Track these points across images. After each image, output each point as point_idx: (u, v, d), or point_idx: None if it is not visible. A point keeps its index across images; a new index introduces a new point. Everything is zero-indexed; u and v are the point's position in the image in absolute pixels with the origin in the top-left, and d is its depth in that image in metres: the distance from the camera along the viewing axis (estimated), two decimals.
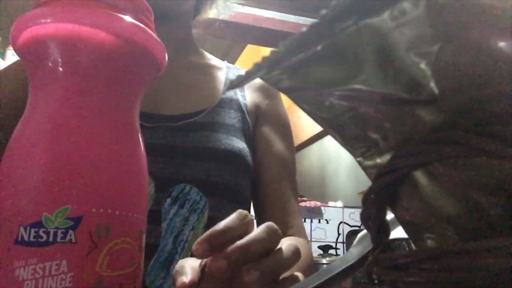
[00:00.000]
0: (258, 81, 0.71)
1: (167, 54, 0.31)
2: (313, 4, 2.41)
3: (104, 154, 0.26)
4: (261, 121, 0.72)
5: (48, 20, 0.26)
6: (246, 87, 0.73)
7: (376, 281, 0.20)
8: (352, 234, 2.61)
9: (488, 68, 0.16)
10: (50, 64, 0.26)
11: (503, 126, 0.16)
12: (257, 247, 0.32)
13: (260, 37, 2.62)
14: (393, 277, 0.19)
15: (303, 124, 3.60)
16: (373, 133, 0.20)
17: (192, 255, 0.55)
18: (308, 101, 0.21)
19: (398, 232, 0.25)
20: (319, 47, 0.16)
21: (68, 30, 0.26)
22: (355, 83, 0.17)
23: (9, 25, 0.29)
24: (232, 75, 0.73)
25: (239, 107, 0.69)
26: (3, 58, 2.04)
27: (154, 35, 0.29)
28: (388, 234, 0.21)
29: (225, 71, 0.74)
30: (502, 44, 0.16)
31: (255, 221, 0.69)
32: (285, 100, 0.59)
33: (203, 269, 0.33)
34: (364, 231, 0.32)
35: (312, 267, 0.63)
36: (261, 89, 0.74)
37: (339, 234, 2.74)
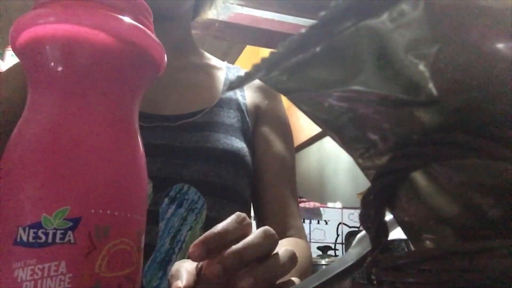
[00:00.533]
0: (258, 81, 0.71)
1: (167, 55, 0.31)
2: (312, 6, 2.41)
3: (103, 155, 0.26)
4: (261, 121, 0.72)
5: (47, 21, 0.26)
6: (246, 87, 0.73)
7: (375, 282, 0.20)
8: (351, 235, 2.61)
9: (487, 69, 0.16)
10: (49, 65, 0.26)
11: (501, 128, 0.16)
12: (253, 252, 0.32)
13: (259, 38, 2.62)
14: (392, 277, 0.19)
15: (302, 125, 3.60)
16: (372, 134, 0.20)
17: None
18: (307, 102, 0.21)
19: (397, 233, 0.25)
20: (318, 49, 0.16)
21: (67, 31, 0.26)
22: (354, 84, 0.17)
23: (8, 26, 0.29)
24: (232, 75, 0.73)
25: (238, 107, 0.69)
26: (2, 59, 2.04)
27: (153, 36, 0.29)
28: (387, 235, 0.21)
29: (225, 71, 0.74)
30: (500, 45, 0.16)
31: (254, 222, 0.69)
32: (284, 100, 0.59)
33: (199, 272, 0.33)
34: (363, 232, 0.32)
35: (311, 268, 0.63)
36: (261, 89, 0.74)
37: (338, 235, 2.74)
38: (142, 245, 0.28)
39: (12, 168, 0.25)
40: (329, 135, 0.22)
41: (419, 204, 0.19)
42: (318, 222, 2.76)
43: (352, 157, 0.22)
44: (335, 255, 2.57)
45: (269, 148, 0.70)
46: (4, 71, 0.63)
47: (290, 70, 0.18)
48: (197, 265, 0.34)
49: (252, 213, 0.71)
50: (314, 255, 2.27)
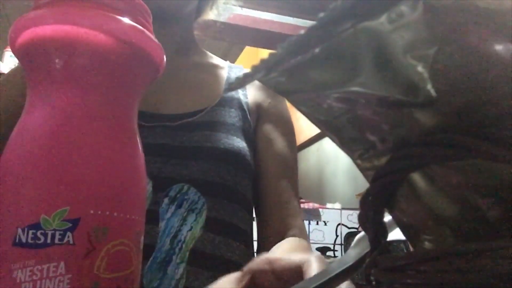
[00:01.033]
0: None
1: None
2: (311, 7, 2.42)
3: (102, 156, 0.26)
4: (263, 120, 0.71)
5: (47, 22, 0.26)
6: (248, 85, 0.73)
7: (374, 283, 0.20)
8: (350, 236, 2.61)
9: (485, 70, 0.16)
10: (48, 66, 0.26)
11: (500, 129, 0.16)
12: None
13: (258, 39, 2.62)
14: (391, 279, 0.19)
15: (301, 126, 3.60)
16: (370, 135, 0.20)
17: (189, 255, 0.55)
18: (306, 103, 0.21)
19: (396, 234, 0.25)
20: (317, 50, 0.16)
21: (66, 31, 0.26)
22: (353, 86, 0.18)
23: (7, 27, 0.29)
24: (234, 75, 0.73)
25: (240, 106, 0.69)
26: (1, 60, 2.04)
27: (153, 37, 0.29)
28: (386, 236, 0.21)
29: (227, 70, 0.74)
30: (499, 47, 0.16)
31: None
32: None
33: None
34: (362, 233, 0.32)
35: None
36: (263, 88, 0.74)
37: (337, 236, 2.74)
38: (141, 246, 0.28)
39: (11, 168, 0.25)
40: (328, 136, 0.22)
41: (418, 205, 0.19)
42: (317, 223, 2.76)
43: (351, 158, 0.22)
44: (334, 256, 2.57)
45: (270, 147, 0.69)
46: (6, 73, 0.63)
47: (289, 71, 0.18)
48: None
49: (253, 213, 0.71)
50: None
